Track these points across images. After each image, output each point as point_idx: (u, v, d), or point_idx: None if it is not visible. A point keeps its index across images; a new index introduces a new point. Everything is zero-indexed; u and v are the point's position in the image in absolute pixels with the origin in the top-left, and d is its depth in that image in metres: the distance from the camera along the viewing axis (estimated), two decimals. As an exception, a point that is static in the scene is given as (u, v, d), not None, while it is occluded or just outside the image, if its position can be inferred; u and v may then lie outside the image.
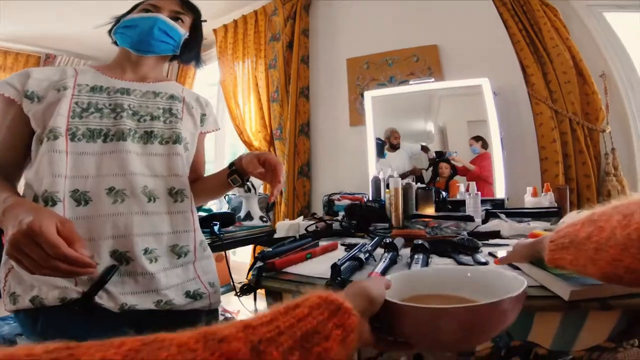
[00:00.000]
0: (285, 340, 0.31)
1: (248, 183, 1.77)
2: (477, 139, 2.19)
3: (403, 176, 1.96)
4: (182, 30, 1.00)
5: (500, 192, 2.08)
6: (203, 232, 1.01)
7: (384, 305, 0.44)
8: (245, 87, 3.20)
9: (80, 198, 0.83)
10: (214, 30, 3.42)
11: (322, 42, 2.93)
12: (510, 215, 1.42)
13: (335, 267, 0.76)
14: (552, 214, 1.47)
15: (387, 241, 0.95)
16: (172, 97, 1.01)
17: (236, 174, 0.98)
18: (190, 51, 1.07)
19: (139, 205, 0.86)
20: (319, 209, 2.26)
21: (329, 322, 0.34)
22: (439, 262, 0.89)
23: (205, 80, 3.90)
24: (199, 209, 2.08)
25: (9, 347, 0.23)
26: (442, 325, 0.41)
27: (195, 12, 1.05)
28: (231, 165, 1.00)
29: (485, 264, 0.84)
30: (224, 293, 2.41)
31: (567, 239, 0.52)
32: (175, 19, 0.99)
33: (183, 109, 1.01)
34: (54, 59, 3.86)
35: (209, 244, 1.40)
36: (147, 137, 0.92)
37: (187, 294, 0.92)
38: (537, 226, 1.29)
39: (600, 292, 0.59)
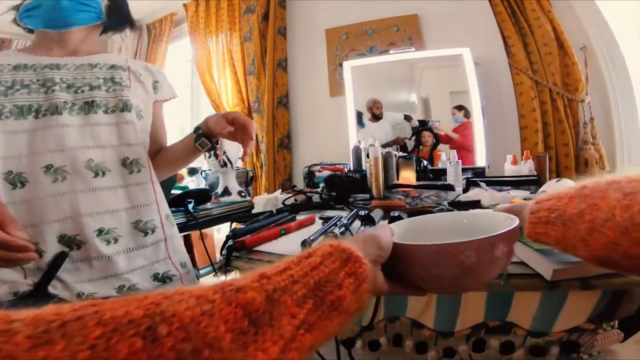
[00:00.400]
0: (299, 288, 0.31)
1: (224, 157, 1.72)
2: (460, 108, 2.19)
3: (386, 146, 1.93)
4: None
5: (481, 160, 2.09)
6: (177, 212, 0.95)
7: (394, 250, 0.45)
8: (220, 62, 3.07)
9: (15, 180, 0.76)
10: (185, 5, 3.24)
11: (299, 12, 2.82)
12: (491, 183, 1.41)
13: (305, 244, 0.72)
14: (531, 182, 1.47)
15: (363, 214, 0.92)
16: (113, 66, 0.93)
17: (203, 137, 0.91)
18: (116, 15, 0.97)
19: (83, 182, 0.80)
20: (300, 182, 2.23)
21: (341, 271, 0.35)
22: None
23: (178, 57, 3.72)
24: (173, 185, 2.02)
25: (37, 309, 0.23)
26: (446, 261, 0.43)
27: None
28: (197, 129, 0.93)
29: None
30: (205, 275, 2.36)
31: (553, 213, 0.46)
32: None
33: (130, 77, 0.94)
34: (9, 43, 3.64)
35: (183, 223, 1.35)
36: (89, 107, 0.84)
37: (155, 277, 0.86)
38: (517, 195, 1.28)
39: (584, 271, 0.55)
